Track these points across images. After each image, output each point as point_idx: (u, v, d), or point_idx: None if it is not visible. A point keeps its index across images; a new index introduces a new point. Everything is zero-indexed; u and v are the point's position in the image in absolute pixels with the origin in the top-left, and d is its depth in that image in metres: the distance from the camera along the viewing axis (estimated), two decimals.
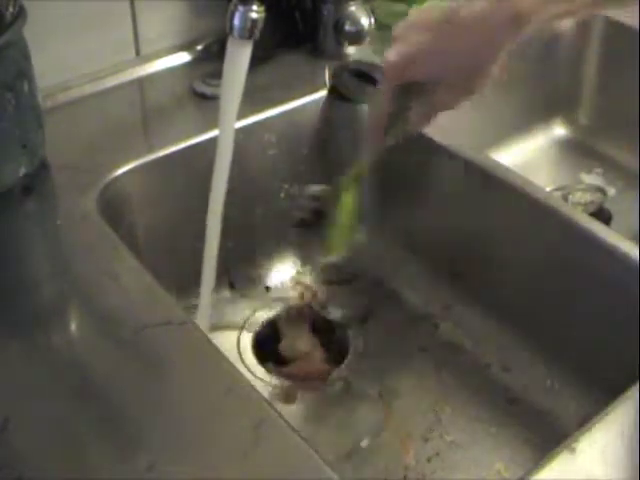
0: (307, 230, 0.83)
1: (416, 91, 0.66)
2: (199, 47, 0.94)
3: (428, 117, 0.69)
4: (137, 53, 0.91)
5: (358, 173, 0.72)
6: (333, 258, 0.90)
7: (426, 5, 0.66)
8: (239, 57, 0.66)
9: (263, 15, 0.65)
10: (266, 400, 0.56)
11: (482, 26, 0.62)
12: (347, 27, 0.93)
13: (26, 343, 0.59)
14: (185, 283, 0.78)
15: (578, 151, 1.12)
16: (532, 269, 0.79)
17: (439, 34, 0.63)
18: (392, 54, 0.65)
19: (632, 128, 1.03)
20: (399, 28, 0.66)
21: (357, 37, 0.93)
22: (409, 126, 0.69)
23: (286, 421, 0.54)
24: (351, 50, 0.95)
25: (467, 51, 0.63)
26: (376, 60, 0.93)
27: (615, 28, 1.06)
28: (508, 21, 0.61)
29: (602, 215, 0.95)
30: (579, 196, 0.99)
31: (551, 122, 1.14)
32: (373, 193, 0.93)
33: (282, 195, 0.90)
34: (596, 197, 0.99)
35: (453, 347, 0.83)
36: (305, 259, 0.93)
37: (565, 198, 0.98)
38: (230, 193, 0.71)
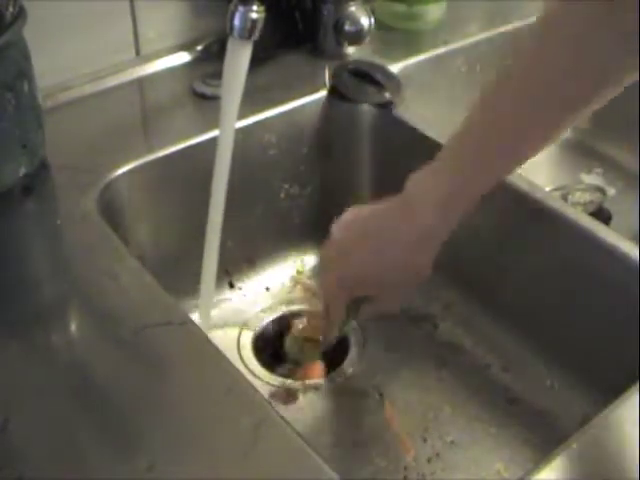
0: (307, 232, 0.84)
1: (361, 301, 0.72)
2: (199, 47, 0.94)
3: (376, 313, 0.76)
4: (137, 53, 0.91)
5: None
6: None
7: (348, 218, 0.70)
8: (239, 57, 0.66)
9: (263, 15, 0.65)
10: (266, 400, 0.56)
11: (395, 236, 0.66)
12: (347, 27, 0.93)
13: (26, 343, 0.59)
14: (185, 283, 0.78)
15: (578, 151, 1.12)
16: (532, 269, 0.79)
17: (365, 251, 0.67)
18: (325, 280, 0.71)
19: (632, 128, 1.03)
20: (327, 251, 0.70)
21: (357, 37, 0.93)
22: (362, 317, 0.77)
23: (286, 421, 0.54)
24: (351, 50, 0.95)
25: (396, 264, 0.67)
26: (376, 60, 0.93)
27: None
28: (426, 242, 0.67)
29: (602, 215, 0.94)
30: (578, 196, 0.99)
31: None
32: (373, 193, 0.93)
33: (282, 195, 0.90)
34: (596, 197, 0.99)
35: (453, 347, 0.83)
36: (305, 259, 0.93)
37: (565, 198, 0.98)
38: (230, 193, 0.71)
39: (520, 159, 0.63)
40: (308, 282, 0.90)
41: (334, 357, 0.82)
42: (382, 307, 0.74)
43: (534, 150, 0.62)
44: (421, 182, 0.65)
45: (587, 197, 0.99)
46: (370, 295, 0.72)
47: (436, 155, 0.65)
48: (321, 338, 0.78)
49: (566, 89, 0.59)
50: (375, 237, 0.67)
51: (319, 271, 0.72)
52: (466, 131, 0.63)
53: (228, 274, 0.88)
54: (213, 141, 0.71)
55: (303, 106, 0.87)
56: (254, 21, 0.64)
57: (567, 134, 1.14)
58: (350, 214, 0.70)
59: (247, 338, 0.84)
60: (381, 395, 0.78)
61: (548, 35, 0.58)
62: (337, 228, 0.70)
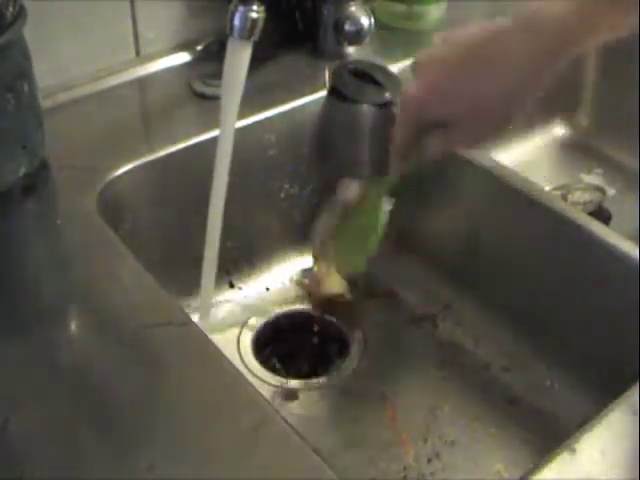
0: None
1: (433, 126, 0.64)
2: (199, 47, 0.93)
3: (444, 151, 0.67)
4: (137, 53, 0.91)
5: (385, 188, 0.71)
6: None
7: (452, 34, 0.64)
8: (239, 57, 0.66)
9: (263, 15, 0.65)
10: (266, 400, 0.56)
11: (508, 67, 0.60)
12: (347, 27, 0.93)
13: (26, 343, 0.59)
14: (185, 283, 0.78)
15: (578, 151, 1.12)
16: (532, 269, 0.79)
17: (461, 74, 0.62)
18: (412, 88, 0.64)
19: (632, 128, 1.03)
20: (423, 58, 0.64)
21: (357, 37, 0.93)
22: (426, 156, 0.67)
23: (286, 421, 0.54)
24: (351, 50, 0.95)
25: (487, 96, 0.61)
26: (376, 60, 0.93)
27: None
28: (538, 59, 0.60)
29: (601, 214, 0.95)
30: (578, 195, 0.99)
31: (551, 122, 1.14)
32: None
33: (282, 195, 0.90)
34: (595, 196, 0.99)
35: (453, 347, 0.83)
36: (305, 259, 0.93)
37: (564, 197, 0.98)
38: (230, 193, 0.71)
39: None
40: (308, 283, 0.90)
41: (334, 357, 0.83)
42: (453, 141, 0.66)
43: None
44: (542, 7, 0.60)
45: (587, 197, 0.99)
46: (450, 124, 0.64)
47: None
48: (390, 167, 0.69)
49: None
50: (485, 47, 0.61)
51: (409, 79, 0.66)
52: None
53: (228, 274, 0.88)
54: (213, 141, 0.71)
55: (303, 106, 0.87)
56: (254, 21, 0.64)
57: (567, 134, 1.14)
58: (454, 31, 0.64)
59: (247, 338, 0.84)
60: (381, 395, 0.78)
61: None
62: (443, 37, 0.64)
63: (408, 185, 0.72)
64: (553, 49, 0.61)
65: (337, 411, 0.78)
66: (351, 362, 0.82)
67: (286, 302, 0.88)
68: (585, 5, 0.59)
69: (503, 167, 0.81)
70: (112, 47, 0.88)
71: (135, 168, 0.77)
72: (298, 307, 0.88)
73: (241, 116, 0.71)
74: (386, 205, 0.72)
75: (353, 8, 0.92)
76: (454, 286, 0.87)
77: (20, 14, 0.68)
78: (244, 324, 0.85)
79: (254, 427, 0.53)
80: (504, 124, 0.64)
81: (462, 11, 1.06)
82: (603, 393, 0.60)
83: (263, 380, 0.79)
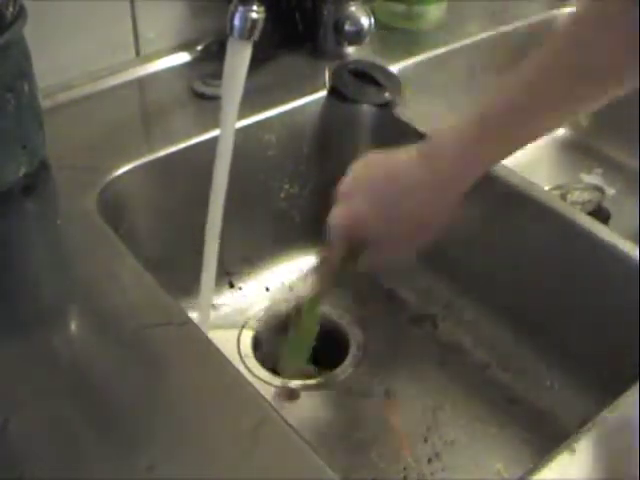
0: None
1: (364, 246, 0.69)
2: (199, 47, 0.93)
3: (377, 265, 0.74)
4: (137, 53, 0.91)
5: (316, 299, 0.75)
6: None
7: (370, 159, 0.69)
8: (239, 57, 0.66)
9: (263, 15, 0.65)
10: (266, 400, 0.56)
11: (415, 187, 0.65)
12: (347, 27, 0.93)
13: (26, 343, 0.59)
14: (185, 283, 0.78)
15: (578, 151, 1.12)
16: (532, 269, 0.79)
17: (381, 198, 0.66)
18: (337, 217, 0.68)
19: (632, 128, 1.03)
20: (344, 186, 0.68)
21: (357, 37, 0.93)
22: (358, 269, 0.72)
23: (286, 421, 0.54)
24: (351, 50, 0.95)
25: (409, 216, 0.66)
26: (376, 60, 0.93)
27: None
28: (439, 185, 0.65)
29: (600, 214, 0.95)
30: (577, 195, 0.99)
31: None
32: None
33: (282, 195, 0.90)
34: (594, 196, 0.99)
35: (453, 347, 0.83)
36: (305, 259, 0.93)
37: (563, 197, 0.98)
38: (230, 193, 0.71)
39: (541, 130, 0.65)
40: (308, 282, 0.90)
41: (334, 357, 0.83)
42: (383, 258, 0.72)
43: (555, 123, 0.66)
44: (444, 133, 0.65)
45: (586, 196, 0.99)
46: (374, 243, 0.69)
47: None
48: (315, 287, 0.75)
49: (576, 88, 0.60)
50: (393, 182, 0.66)
51: (333, 206, 0.68)
52: (494, 97, 0.63)
53: (228, 274, 0.88)
54: (213, 141, 0.71)
55: (303, 106, 0.87)
56: (254, 21, 0.64)
57: (567, 134, 1.14)
58: (371, 156, 0.69)
59: (247, 338, 0.84)
60: (381, 395, 0.78)
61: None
62: (356, 165, 0.69)
63: None
64: (452, 177, 0.65)
65: (337, 411, 0.78)
66: (351, 362, 0.82)
67: (286, 302, 0.88)
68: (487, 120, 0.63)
69: (503, 167, 0.81)
70: (112, 47, 0.88)
71: (135, 168, 0.77)
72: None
73: (241, 116, 0.71)
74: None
75: (353, 8, 0.92)
76: (454, 286, 0.87)
77: (20, 14, 0.68)
78: (244, 324, 0.85)
79: (254, 427, 0.53)
80: (416, 246, 0.69)
81: (462, 11, 1.06)
82: (603, 393, 0.60)
83: (263, 380, 0.79)
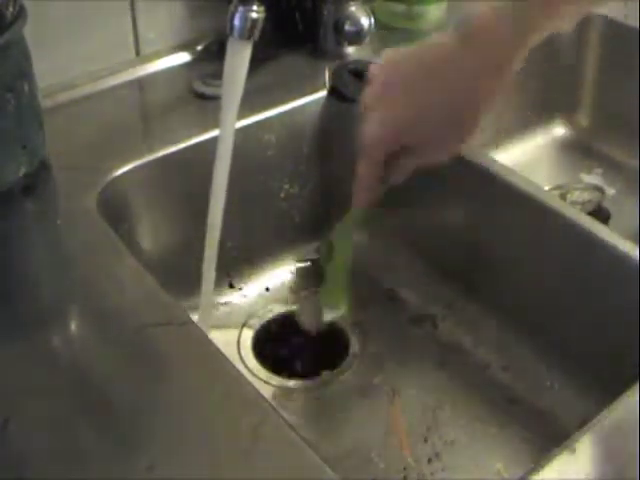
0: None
1: (402, 154, 0.65)
2: (199, 47, 0.93)
3: (417, 170, 0.67)
4: (137, 53, 0.91)
5: (352, 223, 0.72)
6: None
7: (393, 57, 0.64)
8: (239, 57, 0.66)
9: (263, 15, 0.65)
10: (266, 400, 0.56)
11: (460, 76, 0.61)
12: (347, 27, 0.93)
13: (26, 343, 0.59)
14: (185, 283, 0.78)
15: (578, 151, 1.12)
16: (532, 269, 0.79)
17: (416, 93, 0.62)
18: (370, 131, 0.63)
19: (632, 128, 1.03)
20: (369, 94, 0.63)
21: (357, 37, 0.93)
22: (398, 179, 0.68)
23: (286, 421, 0.54)
24: (351, 50, 0.95)
25: (448, 105, 0.61)
26: (376, 60, 0.93)
27: (615, 28, 1.06)
28: (489, 70, 0.60)
29: (600, 214, 0.95)
30: (577, 195, 0.99)
31: (551, 122, 1.14)
32: None
33: (282, 195, 0.90)
34: (594, 196, 0.99)
35: (453, 347, 0.83)
36: (305, 259, 0.93)
37: (563, 197, 0.98)
38: (230, 193, 0.71)
39: None
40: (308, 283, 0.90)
41: (334, 356, 0.83)
42: (423, 161, 0.66)
43: None
44: (484, 14, 0.60)
45: (586, 196, 0.99)
46: (412, 147, 0.64)
47: None
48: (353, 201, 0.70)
49: None
50: (427, 73, 0.61)
51: (360, 115, 0.63)
52: None
53: (228, 274, 0.88)
54: (213, 141, 0.71)
55: (303, 106, 0.87)
56: (254, 21, 0.64)
57: (567, 134, 1.14)
58: (392, 54, 0.64)
59: (247, 338, 0.84)
60: (381, 395, 0.78)
61: None
62: (380, 67, 0.64)
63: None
64: (498, 63, 0.60)
65: (337, 411, 0.78)
66: (351, 362, 0.82)
67: (286, 302, 0.88)
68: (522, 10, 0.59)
69: (503, 167, 0.81)
70: (112, 47, 0.88)
71: (135, 168, 0.77)
72: (298, 307, 0.88)
73: (241, 116, 0.71)
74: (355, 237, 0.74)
75: (353, 8, 0.92)
76: (454, 286, 0.87)
77: (20, 14, 0.68)
78: (244, 324, 0.85)
79: (254, 427, 0.53)
80: (472, 128, 0.63)
81: (462, 11, 1.06)
82: (603, 393, 0.60)
83: (263, 380, 0.79)
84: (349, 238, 0.73)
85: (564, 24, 0.61)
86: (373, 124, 0.64)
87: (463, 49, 0.60)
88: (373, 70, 0.65)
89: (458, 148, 0.66)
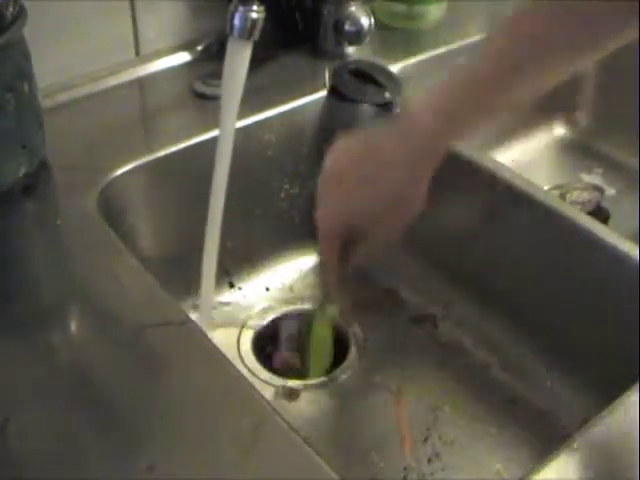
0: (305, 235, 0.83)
1: (356, 236, 0.68)
2: (199, 47, 0.94)
3: (372, 253, 0.71)
4: (137, 53, 0.91)
5: (330, 314, 0.78)
6: None
7: (343, 145, 0.68)
8: (239, 57, 0.66)
9: (263, 15, 0.65)
10: (266, 400, 0.56)
11: (397, 161, 0.64)
12: (347, 27, 0.93)
13: (26, 343, 0.59)
14: (185, 283, 0.78)
15: (578, 151, 1.12)
16: (532, 269, 0.79)
17: (362, 177, 0.65)
18: (322, 215, 0.67)
19: (632, 128, 1.03)
20: (322, 182, 0.67)
21: (357, 37, 0.93)
22: (358, 261, 0.71)
23: (286, 421, 0.54)
24: (351, 50, 0.95)
25: (391, 187, 0.64)
26: (376, 60, 0.93)
27: None
28: (419, 156, 0.64)
29: (600, 214, 0.95)
30: (577, 195, 0.99)
31: (551, 122, 1.14)
32: None
33: (282, 195, 0.90)
34: (594, 196, 0.99)
35: (453, 347, 0.83)
36: (305, 259, 0.93)
37: (563, 197, 0.98)
38: (230, 193, 0.71)
39: (534, 88, 0.63)
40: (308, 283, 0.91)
41: (334, 357, 0.82)
42: (376, 244, 0.70)
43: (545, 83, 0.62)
44: (423, 97, 0.64)
45: (585, 196, 0.99)
46: (363, 233, 0.68)
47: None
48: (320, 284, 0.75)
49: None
50: (369, 161, 0.65)
51: (316, 206, 0.67)
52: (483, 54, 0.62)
53: (228, 274, 0.88)
54: (213, 141, 0.71)
55: (303, 106, 0.87)
56: (254, 21, 0.64)
57: (567, 134, 1.14)
58: (342, 142, 0.68)
59: (247, 338, 0.84)
60: (381, 395, 0.78)
61: None
62: (329, 158, 0.67)
63: None
64: (424, 155, 0.64)
65: (337, 411, 0.78)
66: (351, 362, 0.82)
67: (286, 302, 0.88)
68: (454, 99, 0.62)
69: (503, 167, 0.81)
70: (112, 47, 0.88)
71: (135, 168, 0.77)
72: (298, 307, 0.88)
73: (241, 116, 0.71)
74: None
75: (353, 8, 0.92)
76: (454, 286, 0.87)
77: (20, 14, 0.68)
78: (244, 324, 0.85)
79: (254, 427, 0.53)
80: (414, 208, 0.66)
81: (462, 11, 1.06)
82: (603, 393, 0.60)
83: (263, 380, 0.79)
84: (329, 320, 0.78)
85: (500, 116, 0.64)
86: (325, 207, 0.67)
87: (396, 138, 0.64)
88: (327, 157, 0.68)
89: (406, 224, 0.68)
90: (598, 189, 1.01)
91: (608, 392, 0.58)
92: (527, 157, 1.09)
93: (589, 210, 0.94)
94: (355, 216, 0.66)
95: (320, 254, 0.72)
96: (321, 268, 0.74)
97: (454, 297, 0.87)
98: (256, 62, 0.67)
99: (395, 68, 0.92)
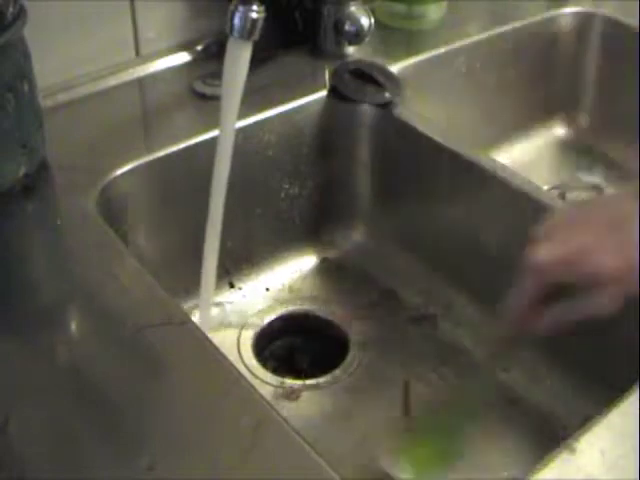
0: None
1: (563, 293, 0.59)
2: (199, 47, 0.93)
3: (565, 322, 0.61)
4: (137, 53, 0.91)
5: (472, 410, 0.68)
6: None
7: (582, 206, 0.62)
8: (239, 57, 0.66)
9: (263, 15, 0.65)
10: (266, 400, 0.56)
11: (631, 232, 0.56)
12: (347, 27, 0.93)
13: (26, 343, 0.59)
14: (185, 283, 0.78)
15: (578, 151, 1.12)
16: None
17: (603, 234, 0.57)
18: (544, 252, 0.59)
19: (632, 128, 1.03)
20: (549, 226, 0.60)
21: (357, 37, 0.93)
22: (544, 328, 0.61)
23: (286, 421, 0.54)
24: (351, 50, 0.95)
25: (622, 249, 0.57)
26: (376, 60, 0.93)
27: (615, 28, 1.06)
28: None
29: None
30: (576, 194, 0.99)
31: (551, 122, 1.14)
32: (373, 193, 0.93)
33: (282, 195, 0.90)
34: (593, 195, 0.99)
35: (453, 347, 0.83)
36: (305, 259, 0.93)
37: (562, 196, 0.98)
38: (230, 193, 0.71)
39: None
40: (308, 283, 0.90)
41: (334, 357, 0.83)
42: (589, 306, 0.59)
43: None
44: None
45: (584, 196, 0.99)
46: (574, 288, 0.59)
47: None
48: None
49: None
50: (604, 210, 0.58)
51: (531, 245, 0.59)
52: None
53: (228, 274, 0.88)
54: (213, 141, 0.71)
55: (303, 106, 0.87)
56: (254, 21, 0.64)
57: (567, 134, 1.14)
58: (575, 205, 0.61)
59: (247, 338, 0.84)
60: (380, 395, 0.78)
61: None
62: (566, 208, 0.61)
63: (409, 185, 0.72)
64: None
65: (337, 411, 0.78)
66: (351, 362, 0.82)
67: (286, 302, 0.88)
68: None
69: (503, 167, 0.81)
70: (112, 47, 0.88)
71: (135, 168, 0.77)
72: (298, 307, 0.88)
73: (241, 116, 0.71)
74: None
75: (353, 8, 0.92)
76: (454, 286, 0.87)
77: (20, 14, 0.68)
78: (244, 324, 0.85)
79: (254, 427, 0.53)
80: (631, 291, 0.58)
81: (462, 11, 1.06)
82: (603, 393, 0.60)
83: (263, 380, 0.79)
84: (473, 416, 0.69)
85: None
86: (544, 251, 0.59)
87: (627, 196, 0.58)
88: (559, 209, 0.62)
89: (622, 298, 0.59)
90: (597, 189, 1.01)
91: (608, 392, 0.58)
92: (527, 157, 1.09)
93: None
94: (573, 268, 0.58)
95: (515, 294, 0.62)
96: (505, 312, 0.62)
97: (454, 297, 0.87)
98: (256, 62, 0.68)
99: (395, 68, 0.92)
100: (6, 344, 0.59)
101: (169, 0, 0.90)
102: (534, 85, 1.08)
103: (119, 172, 0.76)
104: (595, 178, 1.06)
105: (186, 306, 0.80)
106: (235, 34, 0.65)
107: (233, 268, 0.89)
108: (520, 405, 0.78)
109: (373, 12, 0.95)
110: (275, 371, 0.81)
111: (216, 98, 0.77)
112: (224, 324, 0.85)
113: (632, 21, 1.04)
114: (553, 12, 1.07)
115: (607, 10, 1.07)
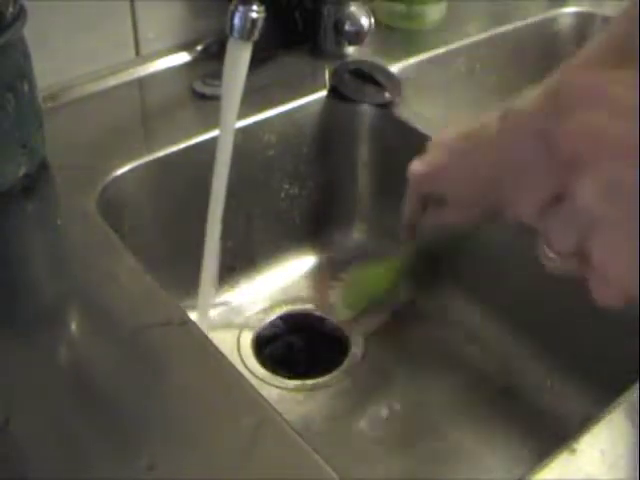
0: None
1: (432, 201, 0.65)
2: (199, 47, 0.94)
3: (435, 225, 0.68)
4: (137, 53, 0.91)
5: (400, 263, 0.76)
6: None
7: (462, 127, 0.62)
8: (239, 57, 0.66)
9: (263, 15, 0.65)
10: (266, 400, 0.56)
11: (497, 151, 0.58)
12: (347, 27, 0.93)
13: (26, 343, 0.59)
14: (185, 283, 0.78)
15: None
16: (532, 269, 0.79)
17: (464, 153, 0.60)
18: (416, 164, 0.64)
19: None
20: (431, 143, 0.64)
21: (357, 37, 0.93)
22: (431, 222, 0.68)
23: (286, 421, 0.54)
24: (351, 50, 0.95)
25: (487, 178, 0.59)
26: (376, 60, 0.93)
27: None
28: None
29: None
30: None
31: None
32: (373, 193, 0.93)
33: (282, 195, 0.90)
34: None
35: (453, 347, 0.83)
36: (305, 259, 0.93)
37: None
38: (230, 193, 0.71)
39: None
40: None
41: (334, 357, 0.83)
42: (445, 217, 0.65)
43: None
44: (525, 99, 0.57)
45: None
46: (442, 201, 0.64)
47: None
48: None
49: None
50: (475, 135, 0.59)
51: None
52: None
53: (228, 274, 0.88)
54: (213, 141, 0.71)
55: (303, 106, 0.87)
56: (254, 21, 0.64)
57: None
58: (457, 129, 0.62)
59: (247, 338, 0.84)
60: (380, 396, 0.78)
61: None
62: (451, 129, 0.62)
63: None
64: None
65: (337, 411, 0.78)
66: (351, 362, 0.82)
67: (286, 302, 0.88)
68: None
69: None
70: (112, 47, 0.88)
71: (135, 168, 0.77)
72: (298, 307, 0.88)
73: (241, 116, 0.71)
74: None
75: (353, 8, 0.92)
76: (454, 286, 0.87)
77: (20, 14, 0.68)
78: (244, 324, 0.85)
79: (254, 427, 0.53)
80: (491, 208, 0.62)
81: (462, 11, 1.06)
82: (603, 393, 0.60)
83: (263, 380, 0.79)
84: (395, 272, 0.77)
85: None
86: (417, 163, 0.64)
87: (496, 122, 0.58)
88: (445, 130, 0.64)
89: (473, 220, 0.65)
90: None
91: (608, 392, 0.58)
92: None
93: None
94: (440, 185, 0.62)
95: (404, 202, 0.68)
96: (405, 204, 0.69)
97: (454, 297, 0.87)
98: (256, 62, 0.67)
99: (395, 68, 0.92)
100: (6, 344, 0.59)
101: (169, 0, 0.90)
102: (534, 85, 1.08)
103: (119, 172, 0.76)
104: None
105: (186, 306, 0.80)
106: (235, 34, 0.65)
107: (233, 268, 0.89)
108: (520, 405, 0.78)
109: (373, 12, 0.95)
110: (275, 371, 0.81)
111: (216, 98, 0.77)
112: (224, 324, 0.85)
113: None
114: (553, 12, 1.08)
115: (607, 10, 1.07)
